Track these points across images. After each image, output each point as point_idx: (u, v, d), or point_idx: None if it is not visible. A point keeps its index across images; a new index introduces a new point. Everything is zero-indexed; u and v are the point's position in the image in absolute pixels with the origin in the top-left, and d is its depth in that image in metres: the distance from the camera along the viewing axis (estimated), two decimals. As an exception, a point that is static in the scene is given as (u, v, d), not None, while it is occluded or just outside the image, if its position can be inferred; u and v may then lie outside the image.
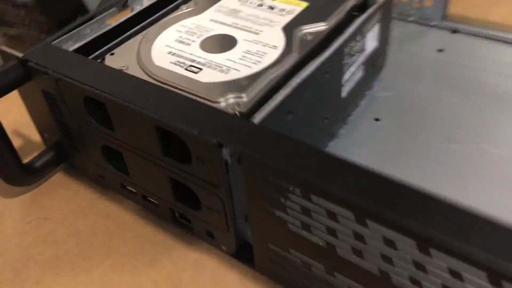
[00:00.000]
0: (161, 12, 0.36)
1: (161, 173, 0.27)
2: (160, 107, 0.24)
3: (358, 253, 0.21)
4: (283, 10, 0.33)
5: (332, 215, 0.20)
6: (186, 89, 0.27)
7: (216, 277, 0.28)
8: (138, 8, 0.36)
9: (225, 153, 0.23)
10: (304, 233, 0.22)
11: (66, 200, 0.34)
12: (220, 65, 0.28)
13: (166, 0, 0.36)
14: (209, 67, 0.28)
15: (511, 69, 0.41)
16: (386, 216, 0.18)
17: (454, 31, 0.46)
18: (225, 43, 0.30)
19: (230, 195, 0.25)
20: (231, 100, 0.26)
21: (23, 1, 0.47)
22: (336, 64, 0.31)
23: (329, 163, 0.21)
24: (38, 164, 0.34)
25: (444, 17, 0.47)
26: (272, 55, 0.28)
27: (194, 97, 0.26)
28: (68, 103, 0.29)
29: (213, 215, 0.27)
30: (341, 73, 0.32)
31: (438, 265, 0.18)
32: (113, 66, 0.29)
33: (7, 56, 0.31)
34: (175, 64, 0.29)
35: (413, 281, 0.19)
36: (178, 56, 0.29)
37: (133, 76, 0.27)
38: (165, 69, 0.29)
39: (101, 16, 0.34)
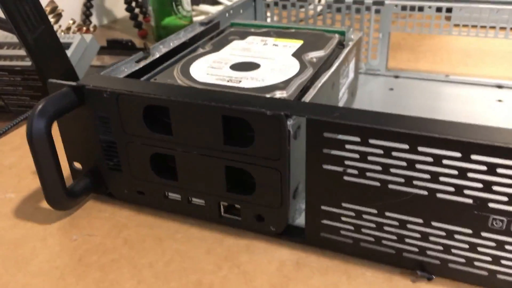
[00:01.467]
0: (179, 55, 0.42)
1: (218, 164, 0.32)
2: (224, 100, 0.30)
3: (409, 181, 0.27)
4: (285, 45, 0.41)
5: (387, 152, 0.26)
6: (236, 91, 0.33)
7: (269, 253, 0.32)
8: (157, 54, 0.42)
9: (289, 124, 0.28)
10: (359, 180, 0.28)
11: (105, 219, 0.36)
12: (255, 77, 0.35)
13: (182, 46, 0.43)
14: (247, 79, 0.35)
15: (441, 96, 0.52)
16: (435, 138, 0.25)
17: (396, 76, 0.58)
18: (251, 66, 0.37)
19: (289, 167, 0.30)
20: (277, 96, 0.32)
21: (22, 66, 0.51)
22: (337, 79, 0.39)
23: (377, 116, 0.27)
24: (77, 188, 0.36)
25: (386, 68, 0.58)
26: (294, 69, 0.36)
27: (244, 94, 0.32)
28: (124, 118, 0.33)
29: (267, 194, 0.31)
30: (338, 89, 0.40)
31: (476, 169, 0.25)
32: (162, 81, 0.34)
33: (55, 87, 0.35)
34: (216, 80, 0.35)
35: (457, 192, 0.26)
36: (216, 75, 0.36)
37: (187, 85, 0.33)
38: (210, 83, 0.34)
39: (130, 58, 0.40)
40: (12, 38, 0.57)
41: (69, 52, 0.54)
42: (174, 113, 0.31)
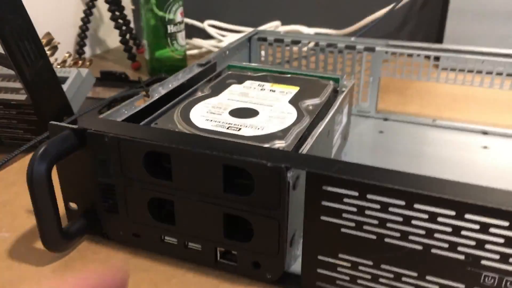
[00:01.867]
0: (179, 98, 0.43)
1: (216, 211, 0.32)
2: (225, 149, 0.31)
3: (404, 236, 0.28)
4: (282, 91, 0.43)
5: (384, 208, 0.27)
6: (235, 140, 0.34)
7: (266, 302, 0.32)
8: (156, 96, 0.42)
9: (289, 175, 0.29)
10: (356, 233, 0.29)
11: (100, 262, 0.36)
12: (254, 125, 0.36)
13: (181, 87, 0.44)
14: (246, 127, 0.36)
15: (428, 140, 0.54)
16: (431, 197, 0.26)
17: (386, 119, 0.59)
18: (249, 112, 0.38)
19: (287, 216, 0.30)
20: (276, 145, 0.33)
21: (18, 101, 0.51)
22: (332, 127, 0.40)
23: (375, 171, 0.28)
24: (73, 230, 0.36)
25: (376, 110, 0.60)
26: (291, 118, 0.37)
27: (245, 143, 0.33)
28: (124, 162, 0.34)
29: (264, 241, 0.32)
30: (333, 136, 0.41)
31: (470, 228, 0.26)
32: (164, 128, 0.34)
33: (56, 129, 0.35)
34: (216, 126, 0.36)
35: (451, 248, 0.27)
36: (216, 121, 0.36)
37: (188, 132, 0.33)
38: (210, 129, 0.35)
39: (130, 100, 0.40)
40: (7, 70, 0.58)
41: (65, 86, 0.54)
42: (175, 160, 0.32)
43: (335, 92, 0.45)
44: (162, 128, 0.35)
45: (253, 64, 0.50)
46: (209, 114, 0.38)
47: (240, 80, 0.47)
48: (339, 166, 0.29)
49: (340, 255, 0.30)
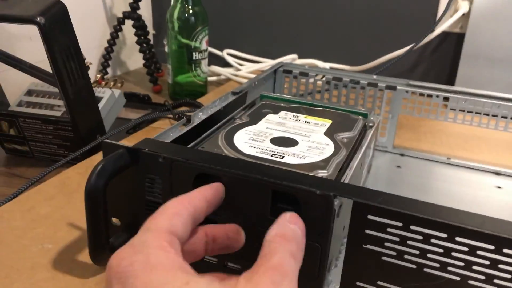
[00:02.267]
0: (219, 124, 0.45)
1: (261, 234, 0.34)
2: (274, 175, 0.33)
3: (443, 267, 0.30)
4: (317, 123, 0.45)
5: (426, 239, 0.29)
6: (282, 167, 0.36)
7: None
8: (197, 120, 0.45)
9: (335, 203, 0.31)
10: (397, 261, 0.31)
11: (140, 277, 0.37)
12: (296, 154, 0.38)
13: (218, 113, 0.46)
14: (288, 155, 0.38)
15: (443, 177, 0.57)
16: (472, 230, 0.28)
17: (402, 154, 0.62)
18: (289, 141, 0.41)
19: (330, 242, 0.32)
20: (320, 174, 0.35)
21: (57, 117, 0.53)
22: (364, 160, 0.42)
23: (417, 204, 0.30)
24: (116, 244, 0.38)
25: (393, 146, 0.63)
26: (330, 149, 0.39)
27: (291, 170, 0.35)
28: (174, 182, 0.35)
29: (305, 265, 0.33)
30: (364, 168, 0.43)
31: (507, 261, 0.28)
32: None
33: (110, 147, 0.37)
34: (260, 153, 0.38)
35: (487, 280, 0.29)
36: (259, 148, 0.39)
37: (237, 157, 0.35)
38: (255, 155, 0.37)
39: (176, 124, 0.43)
40: (42, 86, 0.60)
41: (100, 106, 0.57)
42: (226, 183, 0.34)
43: (364, 127, 0.48)
44: (208, 151, 0.37)
45: (285, 96, 0.53)
46: (252, 141, 0.40)
47: (275, 110, 0.49)
48: (383, 197, 0.31)
49: (379, 282, 0.32)
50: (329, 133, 0.44)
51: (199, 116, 0.46)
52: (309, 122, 0.46)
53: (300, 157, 0.38)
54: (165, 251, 0.25)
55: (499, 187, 0.55)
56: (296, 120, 0.46)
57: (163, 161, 0.35)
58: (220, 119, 0.47)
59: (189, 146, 0.41)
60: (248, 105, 0.52)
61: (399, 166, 0.59)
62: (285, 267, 0.26)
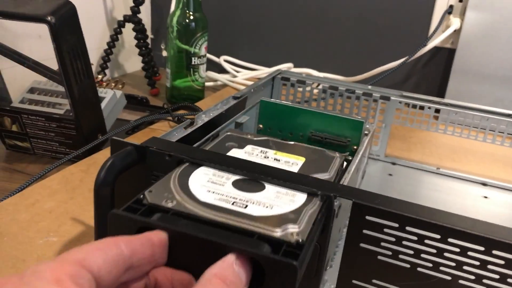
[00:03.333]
0: (218, 128, 0.47)
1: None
2: (234, 240, 0.26)
3: (436, 267, 0.31)
4: (288, 162, 0.41)
5: (421, 239, 0.31)
6: (243, 222, 0.29)
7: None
8: (200, 122, 0.46)
9: (336, 204, 0.33)
10: (392, 261, 0.32)
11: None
12: (262, 202, 0.32)
13: (220, 116, 0.48)
14: (253, 203, 0.32)
15: (433, 186, 0.59)
16: (464, 232, 0.30)
17: (394, 163, 0.64)
18: (255, 185, 0.34)
19: (328, 242, 0.34)
20: (289, 231, 0.29)
21: (60, 115, 0.54)
22: (360, 165, 0.44)
23: (413, 206, 0.32)
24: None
25: (385, 154, 0.65)
26: (302, 196, 0.34)
27: (253, 228, 0.28)
28: (180, 180, 0.37)
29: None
30: (359, 174, 0.45)
31: (497, 263, 0.30)
32: (157, 203, 0.31)
33: (118, 145, 0.38)
34: (220, 200, 0.32)
35: (477, 280, 0.31)
36: (219, 193, 0.33)
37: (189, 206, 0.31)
38: (214, 204, 0.31)
39: (180, 125, 0.44)
40: (44, 84, 0.61)
41: (102, 105, 0.58)
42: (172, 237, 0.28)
43: (342, 166, 0.43)
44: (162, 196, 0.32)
45: (284, 102, 0.54)
46: (211, 184, 0.34)
47: (240, 144, 0.44)
48: (381, 199, 0.33)
49: (374, 281, 0.34)
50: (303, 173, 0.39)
51: (202, 118, 0.47)
52: (279, 160, 0.41)
53: (267, 207, 0.31)
54: (59, 287, 0.19)
55: (485, 197, 0.57)
56: (265, 157, 0.41)
57: (169, 159, 0.37)
58: (221, 122, 0.49)
59: (194, 145, 0.42)
60: (211, 136, 0.47)
61: (390, 174, 0.61)
62: None
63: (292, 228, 0.29)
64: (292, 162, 0.41)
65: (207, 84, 0.92)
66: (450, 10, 0.84)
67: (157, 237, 0.26)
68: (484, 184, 0.61)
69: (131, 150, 0.38)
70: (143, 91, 0.87)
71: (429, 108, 0.61)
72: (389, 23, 0.91)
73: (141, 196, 0.32)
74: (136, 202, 0.32)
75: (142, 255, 0.24)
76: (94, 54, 0.88)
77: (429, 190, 0.58)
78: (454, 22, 0.83)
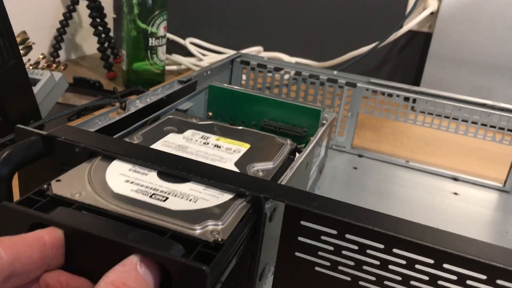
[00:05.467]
0: (155, 114, 0.42)
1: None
2: (135, 239, 0.23)
3: (380, 280, 0.27)
4: (229, 149, 0.37)
5: (362, 249, 0.26)
6: (157, 218, 0.26)
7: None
8: (133, 109, 0.41)
9: (267, 206, 0.28)
10: (331, 272, 0.28)
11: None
12: (186, 194, 0.28)
13: (159, 102, 0.43)
14: (175, 196, 0.28)
15: (400, 181, 0.54)
16: (411, 242, 0.25)
17: (360, 155, 0.59)
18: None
19: (260, 249, 0.29)
20: (209, 228, 0.26)
21: (-16, 99, 0.48)
22: (310, 159, 0.39)
23: (356, 210, 0.27)
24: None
25: (351, 146, 0.60)
26: None
27: (167, 224, 0.25)
28: (93, 175, 0.32)
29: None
30: (310, 168, 0.40)
31: (447, 278, 0.25)
32: (62, 194, 0.27)
33: (23, 133, 0.33)
34: (137, 192, 0.28)
35: (426, 296, 0.26)
36: (138, 184, 0.29)
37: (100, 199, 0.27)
38: (128, 196, 0.27)
39: (105, 111, 0.39)
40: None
41: (35, 89, 0.52)
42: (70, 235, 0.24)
43: (293, 155, 0.39)
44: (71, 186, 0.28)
45: (236, 87, 0.49)
46: (132, 173, 0.30)
47: (181, 128, 0.40)
48: (319, 202, 0.28)
49: (312, 295, 0.29)
50: (242, 163, 0.35)
51: (136, 104, 0.42)
52: (219, 147, 0.37)
53: (191, 200, 0.28)
54: None
55: (456, 193, 0.53)
56: (204, 143, 0.37)
57: (80, 151, 0.31)
58: (160, 109, 0.44)
59: (116, 136, 0.37)
60: (150, 119, 0.42)
61: (355, 168, 0.56)
62: None
63: (213, 225, 0.26)
64: (234, 149, 0.37)
65: (170, 68, 0.86)
66: (428, -8, 0.79)
67: (50, 236, 0.22)
68: (455, 179, 0.56)
69: (36, 140, 0.32)
70: (100, 74, 0.81)
71: (398, 96, 0.56)
72: (364, 5, 0.85)
73: (45, 186, 0.28)
74: (37, 193, 0.27)
75: (28, 260, 0.21)
76: (47, 33, 0.82)
77: (395, 185, 0.54)
78: (431, 4, 0.78)
